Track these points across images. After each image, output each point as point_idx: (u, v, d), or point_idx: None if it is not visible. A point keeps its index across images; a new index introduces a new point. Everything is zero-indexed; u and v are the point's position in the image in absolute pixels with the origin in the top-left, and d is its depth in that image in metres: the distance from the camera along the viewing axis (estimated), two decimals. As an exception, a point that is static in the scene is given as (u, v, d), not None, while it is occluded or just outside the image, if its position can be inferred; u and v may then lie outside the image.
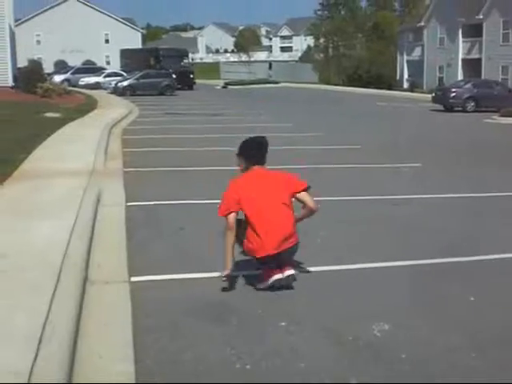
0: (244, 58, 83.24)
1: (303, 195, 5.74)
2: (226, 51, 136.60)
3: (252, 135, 5.98)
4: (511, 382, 4.06)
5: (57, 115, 21.47)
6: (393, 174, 12.03)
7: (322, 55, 78.42)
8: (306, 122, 23.10)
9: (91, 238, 6.59)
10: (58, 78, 45.18)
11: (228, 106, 31.56)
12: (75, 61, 66.76)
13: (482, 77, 43.76)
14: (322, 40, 78.28)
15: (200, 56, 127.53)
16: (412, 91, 51.39)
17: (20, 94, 27.69)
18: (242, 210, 5.42)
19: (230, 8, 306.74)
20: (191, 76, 51.77)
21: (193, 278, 5.74)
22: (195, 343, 4.37)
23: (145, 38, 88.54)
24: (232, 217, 5.33)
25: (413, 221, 8.21)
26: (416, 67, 56.16)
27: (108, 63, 72.18)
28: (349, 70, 66.41)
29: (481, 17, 46.09)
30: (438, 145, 17.21)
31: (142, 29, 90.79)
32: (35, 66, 31.60)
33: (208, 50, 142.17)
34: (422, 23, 54.90)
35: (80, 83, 47.80)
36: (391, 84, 57.75)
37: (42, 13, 78.66)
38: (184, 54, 55.98)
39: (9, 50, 29.23)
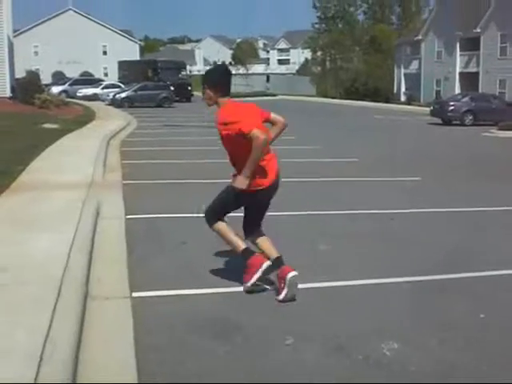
0: (241, 70, 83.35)
1: (273, 116, 5.99)
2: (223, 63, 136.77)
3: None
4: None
5: (55, 126, 21.42)
6: (393, 187, 11.95)
7: (319, 68, 78.65)
8: (304, 135, 23.03)
9: (91, 252, 6.50)
10: (55, 90, 45.25)
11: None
12: (73, 72, 66.95)
13: (480, 90, 43.87)
14: (319, 53, 78.53)
15: (198, 68, 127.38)
16: (409, 104, 51.51)
17: (18, 104, 27.63)
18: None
19: (228, 21, 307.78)
20: (189, 88, 51.85)
21: (195, 293, 5.63)
22: (199, 361, 4.28)
23: (143, 50, 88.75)
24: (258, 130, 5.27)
25: (413, 235, 8.13)
26: (413, 80, 56.32)
27: (106, 75, 72.33)
28: (346, 82, 66.61)
29: (478, 30, 46.28)
30: (437, 158, 17.17)
31: (140, 41, 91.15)
32: (33, 76, 31.58)
33: (206, 62, 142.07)
34: (420, 37, 55.11)
35: (78, 94, 47.94)
36: (388, 97, 57.89)
37: (40, 24, 78.83)
38: (182, 67, 56.07)
39: (7, 60, 29.19)
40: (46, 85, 41.49)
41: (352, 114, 39.75)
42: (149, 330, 4.75)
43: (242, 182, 5.39)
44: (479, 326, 5.07)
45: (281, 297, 5.44)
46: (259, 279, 5.57)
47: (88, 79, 57.87)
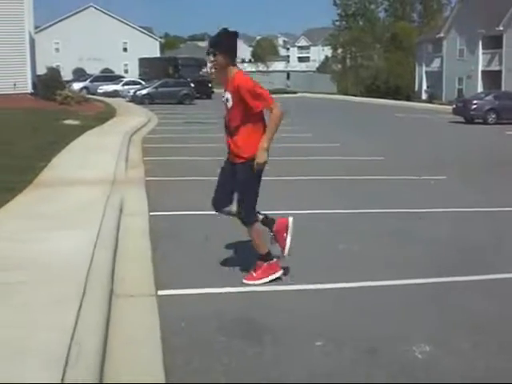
0: (261, 67, 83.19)
1: None
2: (243, 61, 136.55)
3: None
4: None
5: (76, 123, 21.41)
6: (419, 186, 11.77)
7: (339, 66, 78.30)
8: (325, 133, 22.90)
9: (115, 249, 6.40)
10: (76, 86, 45.43)
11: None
12: (94, 69, 67.24)
13: (502, 89, 43.36)
14: (339, 50, 78.19)
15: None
16: (431, 102, 51.09)
17: (39, 101, 27.72)
18: None
19: (248, 18, 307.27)
20: (209, 85, 51.72)
21: (221, 292, 5.50)
22: (227, 363, 4.15)
23: (163, 47, 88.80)
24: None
25: (439, 235, 7.93)
26: (435, 78, 55.88)
27: (126, 71, 72.52)
28: (366, 80, 66.25)
29: (501, 28, 45.80)
30: (462, 157, 16.91)
31: (161, 38, 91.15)
32: (54, 73, 31.66)
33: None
34: (442, 34, 54.65)
35: (98, 91, 48.05)
36: (409, 95, 57.49)
37: (61, 21, 79.17)
38: (202, 64, 55.96)
39: (28, 57, 29.29)
40: (67, 81, 41.63)
41: (373, 112, 39.47)
42: (175, 330, 4.62)
43: (263, 156, 5.46)
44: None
45: (286, 250, 5.79)
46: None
47: (109, 76, 57.99)
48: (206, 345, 4.42)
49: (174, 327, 4.68)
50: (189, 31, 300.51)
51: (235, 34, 5.59)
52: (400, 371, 4.10)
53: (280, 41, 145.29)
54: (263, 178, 5.72)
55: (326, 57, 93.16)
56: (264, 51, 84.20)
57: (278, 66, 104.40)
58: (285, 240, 5.82)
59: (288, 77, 76.55)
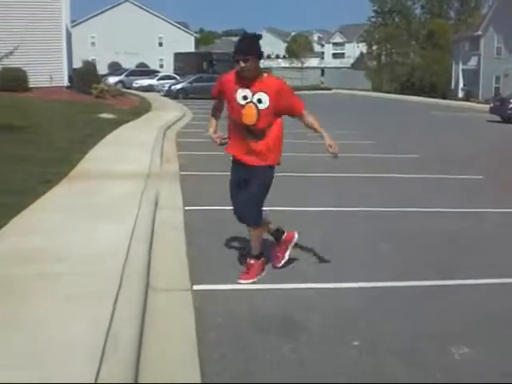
0: (295, 63, 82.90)
1: None
2: (277, 57, 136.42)
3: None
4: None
5: (111, 116, 21.54)
6: (455, 185, 11.60)
7: (374, 62, 77.70)
8: (361, 129, 22.72)
9: (151, 243, 6.40)
10: (112, 80, 45.80)
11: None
12: (129, 63, 67.71)
13: (541, 87, 42.65)
14: (374, 47, 77.59)
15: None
16: (467, 101, 50.45)
17: (75, 94, 27.96)
18: None
19: (283, 14, 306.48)
20: (243, 81, 51.65)
21: (256, 288, 5.47)
22: (263, 360, 4.11)
23: (198, 42, 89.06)
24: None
25: (478, 236, 7.81)
26: (471, 76, 55.15)
27: (161, 66, 72.93)
28: (402, 77, 65.62)
29: (541, 26, 45.02)
30: (499, 157, 16.64)
31: (196, 33, 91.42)
32: (90, 67, 31.92)
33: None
34: (479, 32, 53.90)
35: (134, 85, 48.42)
36: (445, 93, 56.81)
37: (97, 15, 79.85)
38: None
39: (65, 50, 29.55)
40: (103, 75, 41.99)
41: (408, 110, 39.09)
42: (211, 326, 4.60)
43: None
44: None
45: (282, 262, 5.93)
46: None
47: (144, 70, 58.36)
48: (242, 341, 4.39)
49: (210, 322, 4.66)
50: (224, 26, 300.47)
51: (260, 37, 5.62)
52: (440, 372, 4.03)
53: (315, 37, 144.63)
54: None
55: (361, 53, 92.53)
56: (299, 47, 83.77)
57: (313, 62, 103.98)
58: (285, 251, 5.98)
59: (322, 73, 76.24)
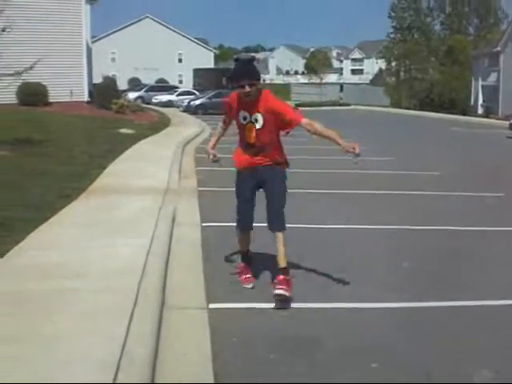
0: (314, 79, 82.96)
1: None
2: (296, 73, 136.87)
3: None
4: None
5: (131, 131, 21.65)
6: (477, 203, 11.48)
7: (393, 78, 77.53)
8: (380, 146, 22.58)
9: (168, 259, 6.38)
10: (132, 95, 46.09)
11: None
12: (149, 79, 68.14)
13: (562, 104, 42.26)
14: (393, 63, 77.44)
15: (270, 77, 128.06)
16: (487, 117, 50.11)
17: (95, 109, 28.14)
18: None
19: (301, 30, 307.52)
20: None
21: (272, 307, 5.40)
22: (279, 380, 4.05)
23: (217, 58, 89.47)
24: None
25: (503, 254, 7.71)
26: (491, 93, 54.77)
27: (181, 82, 73.32)
28: (421, 93, 65.37)
29: (561, 42, 44.67)
30: (520, 173, 16.47)
31: (215, 49, 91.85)
32: (110, 82, 32.16)
33: (278, 71, 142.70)
34: (498, 48, 53.61)
35: (153, 101, 48.70)
36: (465, 109, 56.48)
37: (117, 31, 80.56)
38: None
39: (85, 66, 29.78)
40: (123, 91, 42.27)
41: (428, 126, 38.89)
42: (226, 345, 4.55)
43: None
44: None
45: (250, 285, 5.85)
46: None
47: (163, 86, 58.75)
48: (258, 361, 4.33)
49: (225, 342, 4.61)
50: (243, 43, 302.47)
51: (256, 59, 5.84)
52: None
53: (334, 53, 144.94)
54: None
55: (380, 69, 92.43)
56: (317, 63, 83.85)
57: (331, 78, 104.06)
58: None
59: (341, 89, 76.15)
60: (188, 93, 50.87)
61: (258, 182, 5.73)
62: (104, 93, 29.74)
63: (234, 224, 6.17)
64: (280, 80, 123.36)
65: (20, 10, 24.36)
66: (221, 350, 4.44)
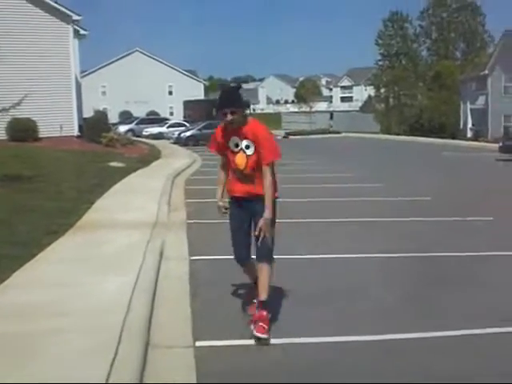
0: (304, 108, 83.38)
1: None
2: (286, 102, 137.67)
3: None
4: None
5: (121, 165, 21.62)
6: (466, 228, 11.44)
7: (382, 105, 77.99)
8: (370, 172, 22.61)
9: (154, 295, 6.28)
10: (122, 128, 46.22)
11: (292, 156, 31.28)
12: (140, 111, 68.42)
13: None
14: (382, 90, 77.95)
15: (261, 107, 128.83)
16: (476, 140, 50.37)
17: (85, 143, 28.14)
18: None
19: (290, 60, 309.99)
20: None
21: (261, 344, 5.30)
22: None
23: (207, 90, 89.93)
24: None
25: (496, 280, 7.64)
26: (480, 116, 55.14)
27: (171, 114, 73.62)
28: (410, 119, 65.74)
29: (547, 65, 45.11)
30: (509, 197, 16.44)
31: (205, 80, 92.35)
32: (101, 116, 32.21)
33: (268, 100, 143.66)
34: (486, 71, 54.08)
35: (144, 133, 48.83)
36: (454, 133, 56.77)
37: (107, 64, 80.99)
38: (245, 105, 56.34)
39: (75, 100, 29.83)
40: (114, 124, 42.35)
41: (418, 151, 39.02)
42: (212, 386, 4.44)
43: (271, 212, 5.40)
44: None
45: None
46: None
47: (154, 118, 58.98)
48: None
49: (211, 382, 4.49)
50: (232, 73, 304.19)
51: (241, 87, 5.92)
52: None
53: (323, 81, 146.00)
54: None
55: (369, 96, 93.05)
56: (307, 92, 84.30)
57: (321, 106, 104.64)
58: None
59: (331, 117, 76.42)
60: (178, 124, 51.03)
61: (250, 212, 5.62)
62: (94, 127, 29.78)
63: (224, 257, 6.08)
64: (270, 109, 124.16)
65: (8, 47, 24.47)
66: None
